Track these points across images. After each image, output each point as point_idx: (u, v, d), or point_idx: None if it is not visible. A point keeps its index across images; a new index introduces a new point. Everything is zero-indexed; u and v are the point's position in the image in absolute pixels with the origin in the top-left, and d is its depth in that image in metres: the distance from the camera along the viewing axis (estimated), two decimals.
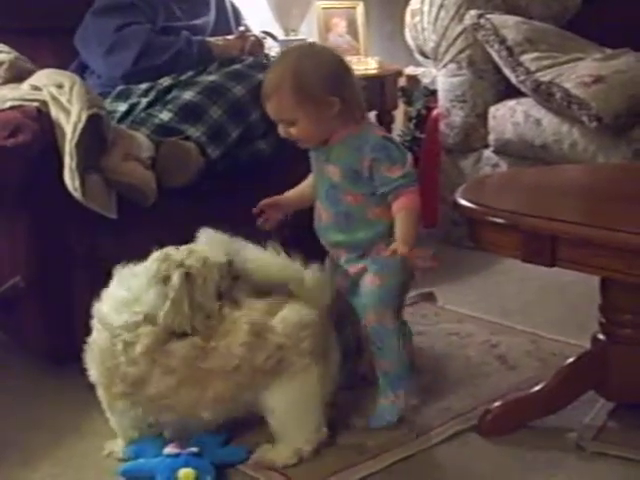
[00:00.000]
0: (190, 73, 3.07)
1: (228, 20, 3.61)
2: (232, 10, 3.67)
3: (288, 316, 2.28)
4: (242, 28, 3.54)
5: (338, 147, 2.40)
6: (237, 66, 3.08)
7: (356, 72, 3.92)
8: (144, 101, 3.02)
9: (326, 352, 2.34)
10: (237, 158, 2.95)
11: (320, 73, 2.35)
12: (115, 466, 2.32)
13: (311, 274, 2.33)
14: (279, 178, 2.93)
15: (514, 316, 3.24)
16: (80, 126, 2.56)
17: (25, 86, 2.83)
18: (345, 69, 2.44)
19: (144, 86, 3.08)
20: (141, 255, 2.46)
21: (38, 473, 2.33)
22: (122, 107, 3.03)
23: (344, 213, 2.43)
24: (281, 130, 2.40)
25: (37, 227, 2.67)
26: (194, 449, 2.28)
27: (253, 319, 2.26)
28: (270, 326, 2.26)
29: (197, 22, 3.46)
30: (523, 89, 3.71)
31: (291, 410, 2.30)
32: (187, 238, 2.72)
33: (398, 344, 2.45)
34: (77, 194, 2.54)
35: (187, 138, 2.85)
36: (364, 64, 4.16)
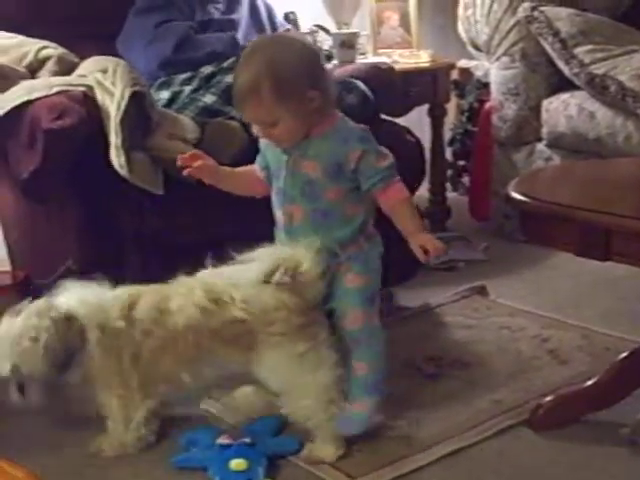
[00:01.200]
0: (231, 60, 3.08)
1: (260, 18, 3.63)
2: (265, 8, 3.69)
3: (254, 295, 2.26)
4: (286, 28, 3.58)
5: (318, 142, 2.29)
6: None
7: (409, 65, 3.98)
8: (187, 89, 3.07)
9: (315, 335, 2.30)
10: None
11: (298, 67, 2.23)
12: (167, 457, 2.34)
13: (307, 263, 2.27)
14: None
15: (566, 310, 3.22)
16: (123, 103, 2.61)
17: (72, 75, 2.88)
18: (319, 59, 2.36)
19: (185, 76, 3.13)
20: (188, 231, 2.50)
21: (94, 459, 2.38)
22: (165, 95, 3.08)
23: (322, 210, 2.32)
24: (260, 133, 2.30)
25: (86, 209, 2.70)
26: (246, 439, 2.30)
27: (210, 287, 2.30)
28: (232, 298, 2.28)
29: (233, 17, 3.50)
30: (577, 82, 3.68)
31: (293, 390, 2.30)
32: (231, 215, 2.75)
33: (384, 344, 2.41)
34: (123, 171, 2.59)
35: (231, 118, 2.87)
36: (416, 57, 4.13)
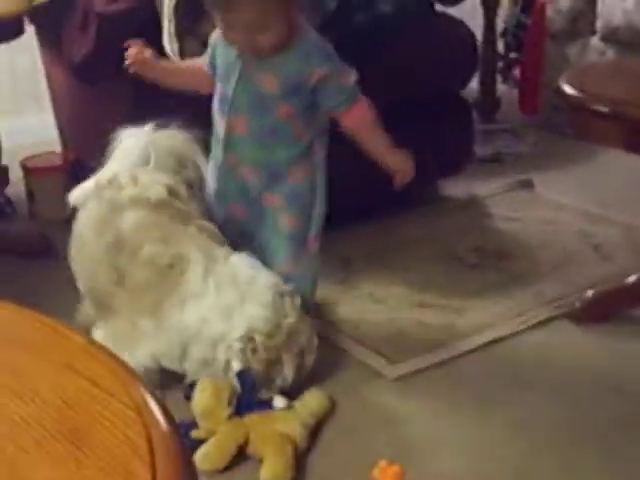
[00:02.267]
0: None
1: None
2: None
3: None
4: None
5: (279, 54, 2.17)
6: None
7: None
8: None
9: None
10: (335, 29, 2.94)
11: None
12: None
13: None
14: (378, 54, 2.96)
15: (612, 207, 3.22)
16: None
17: None
18: None
19: None
20: None
21: None
22: None
23: (270, 127, 2.24)
24: (241, 39, 2.13)
25: (137, 93, 2.69)
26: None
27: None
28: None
29: None
30: None
31: None
32: None
33: (315, 276, 2.40)
34: (175, 57, 2.61)
35: None
36: None
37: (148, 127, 2.38)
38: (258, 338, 2.07)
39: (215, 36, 2.28)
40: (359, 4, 2.98)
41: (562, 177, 3.55)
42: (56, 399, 0.80)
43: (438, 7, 3.29)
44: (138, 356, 2.11)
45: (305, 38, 2.21)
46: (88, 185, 2.35)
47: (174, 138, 2.38)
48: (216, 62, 2.29)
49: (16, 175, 3.27)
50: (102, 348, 0.87)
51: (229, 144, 2.29)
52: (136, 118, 2.71)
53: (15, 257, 2.81)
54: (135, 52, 2.32)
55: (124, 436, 0.74)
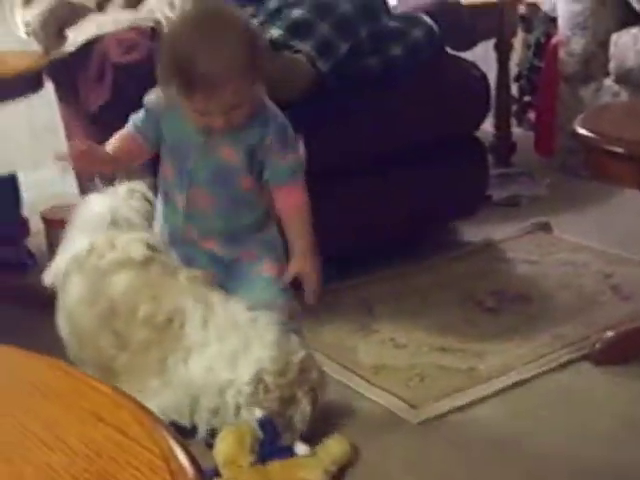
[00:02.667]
0: None
1: None
2: None
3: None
4: None
5: (244, 125, 2.14)
6: None
7: (475, 1, 3.96)
8: (254, 21, 3.07)
9: None
10: (347, 74, 2.96)
11: (262, 42, 2.14)
12: None
13: None
14: (390, 97, 3.00)
15: (630, 247, 3.21)
16: None
17: (140, 10, 2.92)
18: None
19: (250, 10, 3.12)
20: None
21: None
22: None
23: (232, 198, 2.23)
24: (218, 120, 2.07)
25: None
26: None
27: None
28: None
29: None
30: None
31: None
32: None
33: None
34: None
35: (297, 52, 2.87)
36: None
37: (110, 190, 2.38)
38: (268, 378, 2.06)
39: (157, 106, 2.21)
40: (370, 48, 3.01)
41: (579, 219, 3.55)
42: (84, 448, 0.81)
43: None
44: None
45: (266, 108, 2.20)
46: (59, 262, 2.35)
47: (132, 195, 2.38)
48: (161, 133, 2.23)
49: (36, 227, 3.30)
50: (128, 397, 0.88)
51: (190, 217, 2.26)
52: (152, 164, 2.75)
53: (37, 310, 2.82)
54: (75, 147, 2.26)
55: None
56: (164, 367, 2.17)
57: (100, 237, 2.31)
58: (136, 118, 2.25)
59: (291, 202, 2.21)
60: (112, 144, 2.24)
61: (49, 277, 2.35)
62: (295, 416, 2.11)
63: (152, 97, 2.23)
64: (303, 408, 2.10)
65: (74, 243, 2.34)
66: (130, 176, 2.41)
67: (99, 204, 2.38)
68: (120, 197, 2.38)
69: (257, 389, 2.05)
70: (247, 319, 2.15)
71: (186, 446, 0.81)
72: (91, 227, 2.35)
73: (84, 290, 2.28)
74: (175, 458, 0.78)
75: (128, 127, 2.25)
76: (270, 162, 2.19)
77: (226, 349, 2.11)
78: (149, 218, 2.40)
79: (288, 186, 2.21)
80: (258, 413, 2.10)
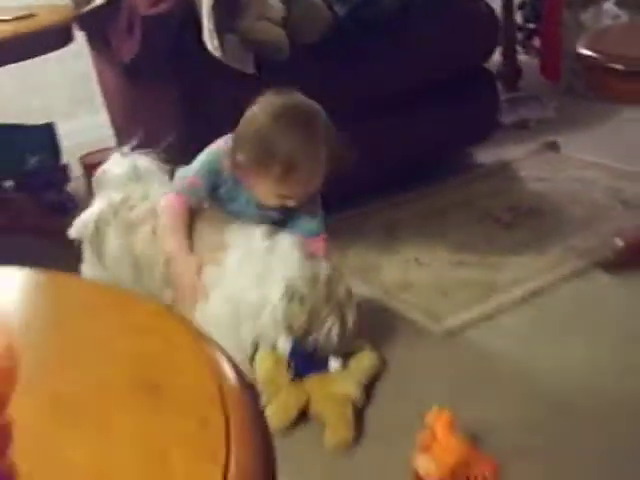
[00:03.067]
0: None
1: None
2: None
3: None
4: None
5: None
6: None
7: None
8: None
9: None
10: (362, 17, 2.94)
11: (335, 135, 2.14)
12: None
13: None
14: (405, 32, 2.97)
15: (636, 162, 3.19)
16: None
17: None
18: None
19: None
20: None
21: None
22: None
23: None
24: (293, 202, 2.16)
25: (184, 88, 2.72)
26: None
27: None
28: None
29: None
30: None
31: None
32: (319, 92, 2.77)
33: None
34: (217, 52, 2.62)
35: None
36: None
37: (124, 152, 2.37)
38: (299, 290, 2.04)
39: (224, 170, 2.21)
40: None
41: (586, 137, 3.52)
42: (135, 357, 0.82)
43: None
44: None
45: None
46: (84, 217, 2.33)
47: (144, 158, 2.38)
48: (217, 192, 2.24)
49: (76, 172, 3.31)
50: (173, 311, 0.89)
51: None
52: (182, 110, 2.75)
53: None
54: (187, 292, 2.16)
55: (198, 387, 0.76)
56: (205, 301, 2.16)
57: (135, 188, 2.31)
58: (193, 190, 2.21)
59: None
60: (183, 231, 2.18)
61: (74, 232, 2.32)
62: (325, 332, 2.12)
63: (217, 163, 2.21)
64: (332, 324, 2.10)
65: (101, 200, 2.32)
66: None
67: (118, 165, 2.37)
68: (134, 158, 2.37)
69: (292, 301, 2.05)
70: (270, 244, 2.13)
71: (226, 352, 0.81)
72: (115, 185, 2.33)
73: (117, 243, 2.26)
74: (219, 364, 0.79)
75: (186, 199, 2.20)
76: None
77: (253, 272, 2.10)
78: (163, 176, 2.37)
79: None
80: (286, 340, 2.11)
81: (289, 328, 2.05)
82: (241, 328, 2.11)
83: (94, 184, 2.40)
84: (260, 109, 2.15)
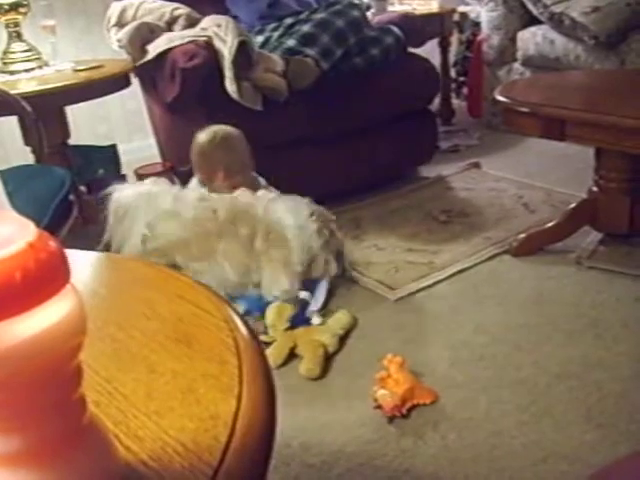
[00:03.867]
0: (305, 13, 3.04)
1: None
2: None
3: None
4: None
5: None
6: (338, 6, 3.02)
7: (424, 11, 3.88)
8: (275, 34, 3.03)
9: None
10: (340, 70, 2.93)
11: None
12: None
13: None
14: (370, 84, 2.98)
15: (535, 177, 3.20)
16: (234, 49, 2.61)
17: (197, 29, 2.87)
18: None
19: (272, 25, 3.08)
20: (277, 133, 2.53)
21: None
22: (260, 39, 3.04)
23: None
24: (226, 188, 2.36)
25: (210, 120, 2.70)
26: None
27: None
28: None
29: None
30: (541, 18, 3.59)
31: None
32: (309, 124, 2.76)
33: None
34: (236, 95, 2.61)
35: (306, 56, 2.82)
36: (429, 5, 4.04)
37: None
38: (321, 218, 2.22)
39: None
40: (356, 51, 2.97)
41: (500, 159, 3.52)
42: (173, 317, 0.81)
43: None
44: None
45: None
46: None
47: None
48: None
49: (131, 180, 3.29)
50: (200, 283, 0.88)
51: None
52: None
53: None
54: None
55: (219, 339, 0.75)
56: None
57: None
58: None
59: None
60: None
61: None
62: (331, 258, 2.27)
63: None
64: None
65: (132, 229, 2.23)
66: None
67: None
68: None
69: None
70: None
71: (241, 315, 0.81)
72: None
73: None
74: (234, 322, 0.79)
75: None
76: None
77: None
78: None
79: None
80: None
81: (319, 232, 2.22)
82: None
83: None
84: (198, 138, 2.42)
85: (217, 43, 2.69)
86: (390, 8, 3.97)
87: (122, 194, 2.27)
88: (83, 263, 1.00)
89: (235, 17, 3.23)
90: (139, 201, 2.24)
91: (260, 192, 2.31)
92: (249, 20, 3.19)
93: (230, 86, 2.62)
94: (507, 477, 1.48)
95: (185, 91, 2.66)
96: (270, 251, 2.15)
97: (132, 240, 2.19)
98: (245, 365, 0.71)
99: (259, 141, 2.50)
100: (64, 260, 0.48)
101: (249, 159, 2.42)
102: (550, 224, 2.49)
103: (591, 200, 2.43)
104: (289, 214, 2.19)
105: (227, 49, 2.63)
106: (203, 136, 2.44)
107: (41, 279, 0.45)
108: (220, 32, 2.70)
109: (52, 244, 0.47)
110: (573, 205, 2.47)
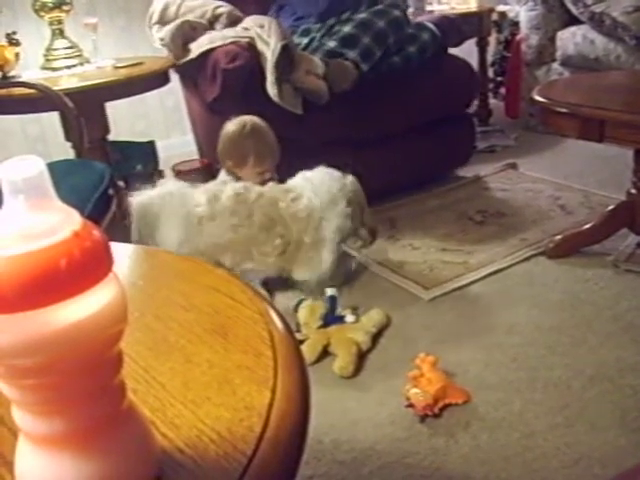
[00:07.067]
0: (347, 14, 3.04)
1: None
2: None
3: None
4: None
5: None
6: (380, 6, 3.02)
7: (462, 10, 3.87)
8: (317, 35, 3.03)
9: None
10: (379, 70, 2.93)
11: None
12: None
13: None
14: (410, 88, 2.97)
15: (573, 178, 3.17)
16: (277, 52, 2.61)
17: (238, 28, 2.88)
18: None
19: (317, 26, 3.08)
20: (316, 135, 2.53)
21: None
22: (304, 40, 3.04)
23: None
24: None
25: None
26: None
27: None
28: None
29: None
30: (582, 18, 3.55)
31: None
32: (349, 126, 2.76)
33: None
34: (277, 98, 2.62)
35: (346, 58, 2.83)
36: (467, 4, 4.02)
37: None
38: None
39: None
40: (394, 49, 2.96)
41: (537, 160, 3.50)
42: (208, 309, 0.82)
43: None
44: None
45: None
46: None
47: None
48: None
49: (169, 176, 3.33)
50: (234, 276, 0.89)
51: None
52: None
53: None
54: None
55: (254, 331, 0.76)
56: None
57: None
58: None
59: None
60: None
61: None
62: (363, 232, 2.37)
63: None
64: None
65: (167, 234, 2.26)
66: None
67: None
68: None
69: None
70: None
71: (275, 307, 0.82)
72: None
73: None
74: (269, 314, 0.80)
75: None
76: None
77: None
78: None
79: None
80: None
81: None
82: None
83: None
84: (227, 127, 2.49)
85: (260, 45, 2.70)
86: (428, 7, 3.97)
87: (145, 197, 2.28)
88: (121, 255, 1.02)
89: (280, 8, 3.24)
90: (168, 202, 2.26)
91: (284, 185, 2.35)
92: (307, 14, 3.16)
93: (271, 89, 2.62)
94: (539, 479, 1.47)
95: (226, 92, 2.67)
96: (304, 239, 2.21)
97: (167, 242, 2.22)
98: (280, 358, 0.71)
99: (297, 142, 2.51)
100: (107, 249, 0.49)
101: (277, 147, 2.48)
102: (587, 226, 2.47)
103: (629, 202, 2.40)
104: (317, 197, 2.26)
105: (270, 52, 2.64)
106: (232, 125, 2.48)
107: (85, 267, 0.47)
108: (263, 34, 2.71)
109: (96, 233, 0.49)
110: (611, 207, 2.44)
